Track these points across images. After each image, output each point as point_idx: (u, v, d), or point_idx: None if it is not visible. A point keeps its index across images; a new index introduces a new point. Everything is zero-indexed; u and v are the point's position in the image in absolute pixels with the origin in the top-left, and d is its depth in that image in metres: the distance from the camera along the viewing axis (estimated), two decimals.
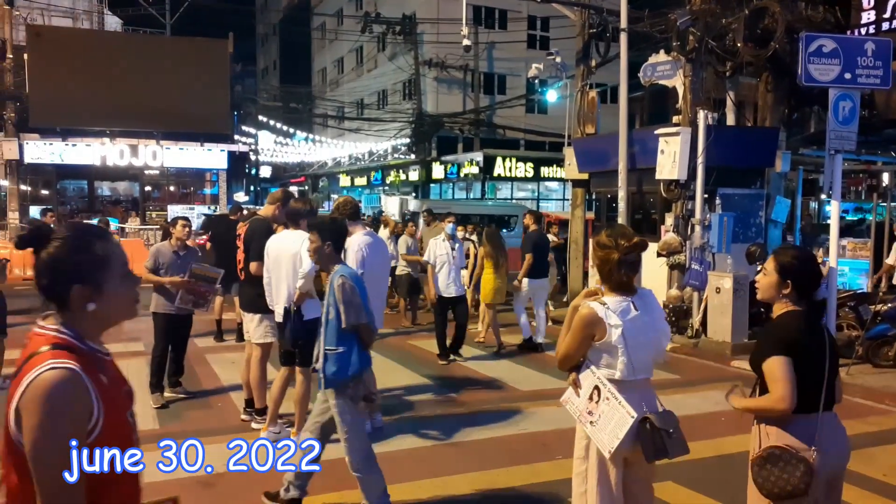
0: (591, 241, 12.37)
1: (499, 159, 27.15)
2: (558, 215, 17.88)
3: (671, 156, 9.90)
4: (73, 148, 21.92)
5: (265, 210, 6.14)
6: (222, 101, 23.00)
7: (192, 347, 7.61)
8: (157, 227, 20.04)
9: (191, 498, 3.92)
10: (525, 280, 9.38)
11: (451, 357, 8.69)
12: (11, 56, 20.75)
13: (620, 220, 10.84)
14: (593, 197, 13.45)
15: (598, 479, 2.94)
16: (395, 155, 32.39)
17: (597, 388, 2.95)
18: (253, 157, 40.35)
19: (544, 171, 28.22)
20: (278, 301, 5.42)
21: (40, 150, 21.58)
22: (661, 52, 10.67)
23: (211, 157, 23.53)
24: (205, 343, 9.28)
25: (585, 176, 12.77)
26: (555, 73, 15.76)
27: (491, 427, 6.02)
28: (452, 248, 8.78)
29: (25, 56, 20.83)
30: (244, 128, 35.57)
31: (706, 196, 9.98)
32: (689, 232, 9.98)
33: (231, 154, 24.13)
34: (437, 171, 29.72)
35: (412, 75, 30.11)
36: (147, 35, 27.34)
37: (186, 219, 6.95)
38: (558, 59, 15.16)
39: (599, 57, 12.90)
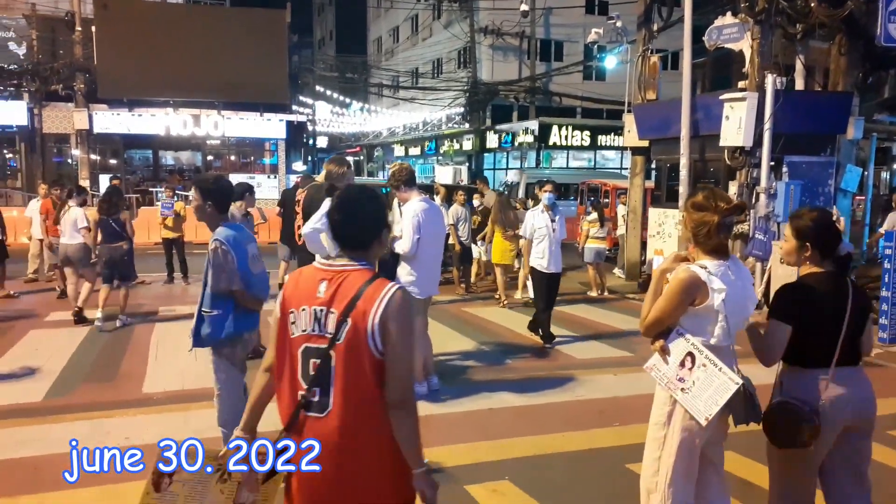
0: (649, 209, 12.17)
1: (554, 128, 26.76)
2: (616, 184, 17.49)
3: (736, 122, 9.58)
4: (138, 118, 22.63)
5: (322, 176, 6.21)
6: (280, 72, 23.26)
7: None
8: None
9: None
10: None
11: (552, 342, 7.80)
12: (80, 29, 21.36)
13: (682, 188, 10.59)
14: (653, 165, 13.16)
15: (680, 445, 2.88)
16: (450, 124, 32.26)
17: (690, 354, 2.85)
18: (310, 127, 40.79)
19: (601, 139, 27.70)
20: None
21: (108, 121, 22.34)
22: (728, 14, 10.28)
23: (270, 126, 23.94)
24: (268, 306, 9.48)
25: (645, 143, 12.50)
26: (615, 39, 15.39)
27: (545, 393, 6.04)
28: (552, 220, 7.95)
29: (93, 28, 21.46)
30: (301, 98, 35.91)
31: (772, 164, 9.65)
32: (753, 201, 9.69)
33: (289, 124, 24.45)
34: (492, 140, 29.51)
35: (467, 43, 29.81)
36: (208, 6, 27.76)
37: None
38: (619, 24, 14.78)
39: (662, 21, 12.50)
